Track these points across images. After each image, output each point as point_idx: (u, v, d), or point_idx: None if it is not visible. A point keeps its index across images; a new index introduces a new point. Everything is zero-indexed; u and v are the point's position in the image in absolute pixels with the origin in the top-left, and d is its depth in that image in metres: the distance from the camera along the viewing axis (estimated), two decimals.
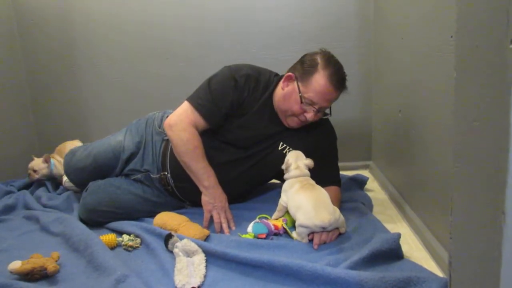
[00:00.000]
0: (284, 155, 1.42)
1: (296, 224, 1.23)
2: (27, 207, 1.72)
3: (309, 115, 1.40)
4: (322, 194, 1.27)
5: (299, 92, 1.38)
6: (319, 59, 1.38)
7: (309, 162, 1.37)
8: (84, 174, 1.62)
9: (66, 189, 1.88)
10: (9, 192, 1.89)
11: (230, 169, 1.48)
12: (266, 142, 1.49)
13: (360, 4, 2.01)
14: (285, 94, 1.42)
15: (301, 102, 1.38)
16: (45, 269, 1.11)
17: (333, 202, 1.26)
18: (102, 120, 2.28)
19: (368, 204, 1.54)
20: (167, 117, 1.53)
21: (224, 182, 1.44)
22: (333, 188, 1.45)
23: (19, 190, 1.93)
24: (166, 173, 1.52)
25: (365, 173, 1.98)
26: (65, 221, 1.44)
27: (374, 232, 1.23)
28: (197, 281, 1.03)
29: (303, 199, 1.24)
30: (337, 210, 1.24)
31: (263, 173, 1.56)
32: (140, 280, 1.05)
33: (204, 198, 1.40)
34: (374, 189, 1.80)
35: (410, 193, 1.45)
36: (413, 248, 1.22)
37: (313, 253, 1.16)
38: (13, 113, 2.14)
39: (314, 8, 2.02)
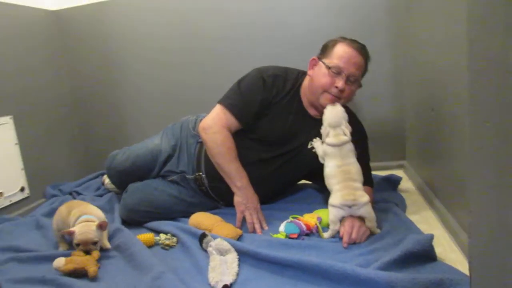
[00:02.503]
0: (313, 154, 1.43)
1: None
2: None
3: (340, 83, 1.39)
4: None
5: (324, 64, 1.41)
6: (337, 38, 1.44)
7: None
8: (124, 176, 1.71)
9: (108, 190, 1.98)
10: (55, 196, 2.02)
11: (260, 168, 1.51)
12: (295, 142, 1.51)
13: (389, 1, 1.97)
14: (312, 76, 1.47)
15: (328, 69, 1.40)
16: (86, 271, 1.17)
17: None
18: (140, 124, 2.38)
19: (401, 204, 1.52)
20: (200, 120, 1.59)
21: (254, 181, 1.47)
22: (366, 188, 1.44)
23: (65, 193, 2.06)
24: (201, 173, 1.58)
25: (399, 173, 1.95)
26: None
27: (407, 233, 1.21)
28: (230, 279, 1.06)
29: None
30: (365, 197, 1.27)
31: (292, 173, 1.58)
32: (176, 277, 1.09)
33: (236, 199, 1.44)
34: (408, 189, 1.77)
35: (446, 194, 1.42)
36: (448, 250, 1.19)
37: (343, 253, 1.17)
38: (59, 119, 2.27)
39: (342, 6, 2.01)
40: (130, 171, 1.69)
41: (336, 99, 1.43)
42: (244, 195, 1.43)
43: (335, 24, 2.02)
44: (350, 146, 1.35)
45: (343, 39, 1.44)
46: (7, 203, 1.80)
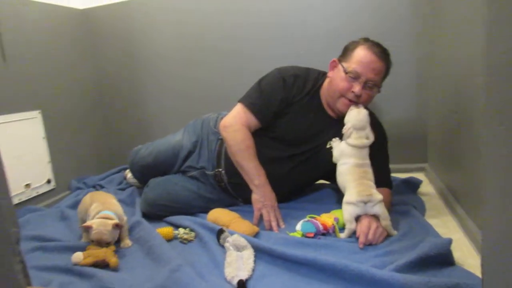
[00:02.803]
0: (332, 154, 1.44)
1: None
2: None
3: (357, 89, 1.39)
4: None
5: (343, 68, 1.40)
6: (359, 40, 1.42)
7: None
8: (146, 170, 1.76)
9: (130, 185, 2.03)
10: (79, 188, 2.08)
11: (278, 166, 1.53)
12: (314, 141, 1.52)
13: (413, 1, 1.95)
14: (331, 79, 1.47)
15: (346, 73, 1.40)
16: (107, 263, 1.20)
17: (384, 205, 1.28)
18: (162, 121, 2.43)
19: (420, 207, 1.51)
20: (221, 118, 1.62)
21: (272, 179, 1.49)
22: (384, 190, 1.44)
23: (89, 186, 2.12)
24: (220, 169, 1.61)
25: (420, 176, 1.92)
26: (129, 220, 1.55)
27: (425, 236, 1.21)
28: (245, 274, 1.08)
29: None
30: (379, 195, 1.27)
31: (310, 172, 1.58)
32: (193, 270, 1.12)
33: (254, 197, 1.46)
34: (429, 192, 1.74)
35: (467, 198, 1.40)
36: (467, 255, 1.17)
37: (359, 254, 1.17)
38: (85, 115, 2.34)
39: (363, 4, 1.99)
40: (152, 166, 1.73)
41: (353, 104, 1.43)
42: (261, 193, 1.45)
43: (356, 22, 2.00)
44: (368, 150, 1.37)
45: (365, 41, 1.42)
46: (34, 194, 1.87)
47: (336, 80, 1.44)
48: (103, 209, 1.35)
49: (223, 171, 1.60)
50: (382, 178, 1.49)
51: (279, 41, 2.13)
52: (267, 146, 1.53)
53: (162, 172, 1.72)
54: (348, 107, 1.43)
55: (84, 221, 1.38)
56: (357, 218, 1.28)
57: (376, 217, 1.27)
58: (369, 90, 1.41)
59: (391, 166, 1.59)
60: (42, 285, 1.10)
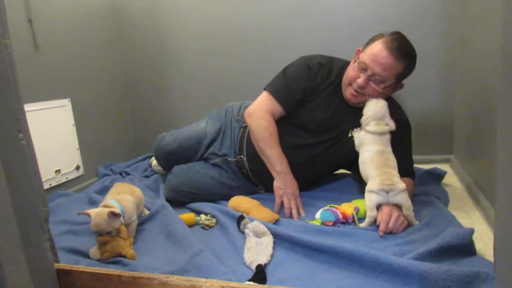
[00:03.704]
0: (353, 144, 1.44)
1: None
2: None
3: (360, 80, 1.39)
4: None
5: (358, 57, 1.41)
6: (385, 33, 1.39)
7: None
8: (171, 156, 1.81)
9: (154, 172, 2.09)
10: (107, 175, 2.15)
11: (300, 153, 1.54)
12: (336, 129, 1.52)
13: None
14: (349, 66, 1.46)
15: (356, 63, 1.40)
16: (124, 256, 1.19)
17: None
18: (186, 110, 2.46)
19: (443, 198, 1.49)
20: (245, 106, 1.65)
21: (294, 167, 1.50)
22: (406, 180, 1.42)
23: (115, 173, 2.19)
24: (242, 156, 1.63)
25: (445, 167, 1.89)
26: (154, 203, 1.59)
27: (447, 226, 1.19)
28: (264, 259, 1.10)
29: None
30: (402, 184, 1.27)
31: (332, 160, 1.58)
32: (213, 255, 1.14)
33: (275, 184, 1.48)
34: (453, 184, 1.71)
35: (491, 190, 1.37)
36: (489, 246, 1.16)
37: (378, 243, 1.16)
38: (112, 103, 2.41)
39: None
40: (176, 152, 1.78)
41: (357, 94, 1.43)
42: (283, 180, 1.46)
43: (383, 12, 1.97)
44: (389, 136, 1.35)
45: (389, 35, 1.38)
46: (63, 179, 1.95)
47: (349, 68, 1.45)
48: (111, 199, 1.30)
49: (244, 158, 1.62)
50: (404, 168, 1.46)
51: (304, 31, 2.12)
52: (289, 133, 1.55)
53: (186, 159, 1.75)
54: (352, 96, 1.44)
55: None
56: (379, 207, 1.28)
57: (398, 206, 1.26)
58: (375, 84, 1.40)
59: (416, 157, 1.57)
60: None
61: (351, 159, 1.45)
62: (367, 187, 1.31)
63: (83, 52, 2.14)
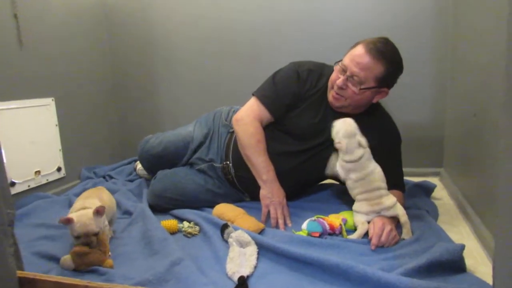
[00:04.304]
0: None
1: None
2: None
3: (339, 80, 1.38)
4: None
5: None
6: (368, 38, 1.38)
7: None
8: (155, 160, 1.75)
9: (139, 176, 2.03)
10: (89, 178, 2.09)
11: (286, 160, 1.50)
12: (323, 136, 1.48)
13: (436, 1, 1.90)
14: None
15: (335, 65, 1.41)
16: (100, 265, 1.11)
17: None
18: (174, 114, 2.42)
19: (433, 212, 1.46)
20: (234, 111, 1.61)
21: (281, 174, 1.46)
22: (396, 192, 1.39)
23: (99, 176, 2.12)
24: (228, 162, 1.59)
25: (435, 180, 1.87)
26: (136, 207, 1.54)
27: (437, 241, 1.16)
28: (247, 271, 1.05)
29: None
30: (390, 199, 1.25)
31: (318, 169, 1.55)
32: (194, 264, 1.10)
33: (262, 192, 1.43)
34: (443, 198, 1.69)
35: (482, 205, 1.34)
36: (479, 263, 1.13)
37: (367, 256, 1.13)
38: (98, 104, 2.35)
39: (386, 6, 1.96)
40: (161, 156, 1.72)
41: (338, 97, 1.41)
42: (269, 188, 1.42)
43: (377, 21, 1.97)
44: (367, 155, 1.32)
45: (369, 39, 1.37)
46: (43, 181, 1.88)
47: (334, 71, 1.44)
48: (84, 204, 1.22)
49: (230, 164, 1.58)
50: (394, 180, 1.43)
51: (295, 37, 2.10)
52: (276, 140, 1.51)
53: (171, 163, 1.70)
54: (334, 99, 1.43)
55: None
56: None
57: (390, 218, 1.23)
58: (353, 85, 1.37)
59: (406, 169, 1.54)
60: (42, 273, 1.09)
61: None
62: (355, 208, 1.29)
63: (70, 50, 2.09)
